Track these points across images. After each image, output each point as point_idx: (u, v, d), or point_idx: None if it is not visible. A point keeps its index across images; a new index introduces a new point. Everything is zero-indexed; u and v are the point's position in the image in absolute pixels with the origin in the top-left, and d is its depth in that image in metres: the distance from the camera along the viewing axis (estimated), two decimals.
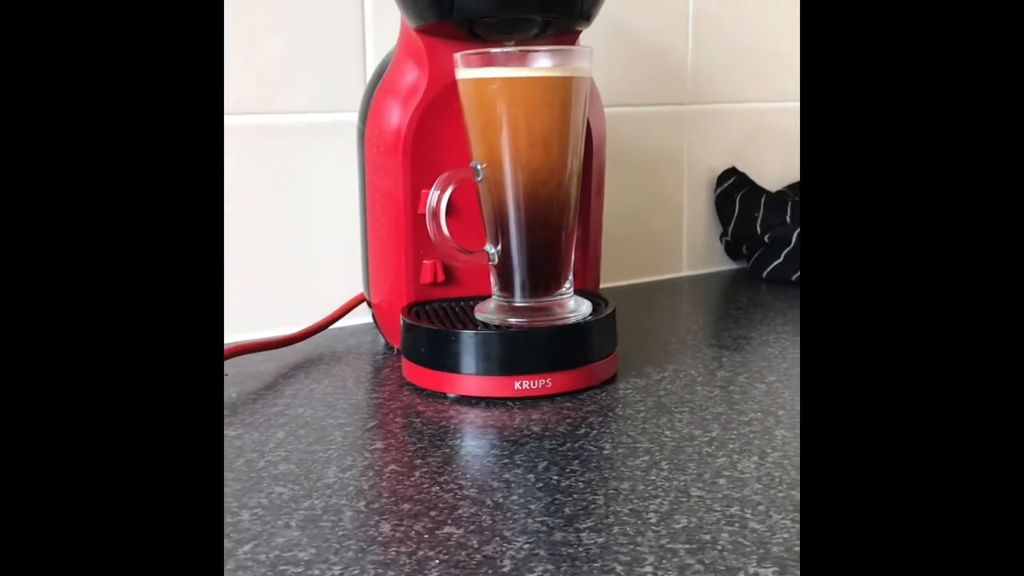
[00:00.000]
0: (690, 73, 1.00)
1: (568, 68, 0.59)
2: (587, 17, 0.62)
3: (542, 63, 0.59)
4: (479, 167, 0.61)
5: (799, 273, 0.96)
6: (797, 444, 0.53)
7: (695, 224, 1.04)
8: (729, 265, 1.06)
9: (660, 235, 1.01)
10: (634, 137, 0.97)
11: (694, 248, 1.04)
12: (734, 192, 1.04)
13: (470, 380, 0.60)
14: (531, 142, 0.60)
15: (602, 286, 0.98)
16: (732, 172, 1.04)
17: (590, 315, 0.64)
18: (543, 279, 0.63)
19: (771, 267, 0.98)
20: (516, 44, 0.62)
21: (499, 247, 0.62)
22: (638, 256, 1.00)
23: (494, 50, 0.59)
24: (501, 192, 0.61)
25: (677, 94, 0.99)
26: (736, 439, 0.54)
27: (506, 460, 0.51)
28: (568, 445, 0.53)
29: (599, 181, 0.72)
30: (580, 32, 0.66)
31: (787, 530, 0.42)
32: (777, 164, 1.09)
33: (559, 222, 0.62)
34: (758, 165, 1.06)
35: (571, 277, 0.65)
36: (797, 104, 1.09)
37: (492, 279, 0.64)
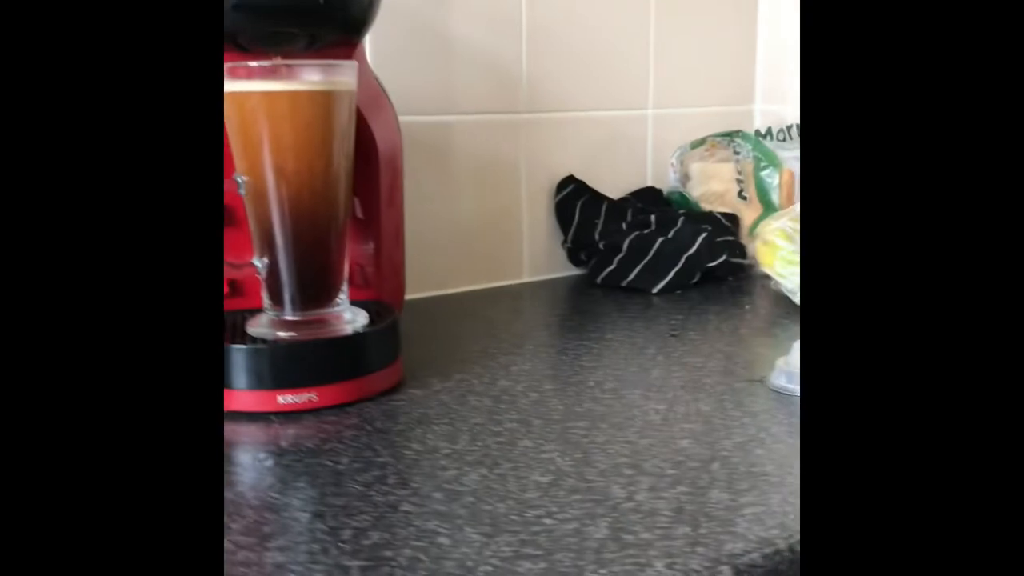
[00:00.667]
0: (525, 81, 1.01)
1: (327, 82, 0.60)
2: (356, 30, 0.62)
3: (301, 77, 0.59)
4: (241, 180, 0.61)
5: (630, 279, 0.97)
6: (536, 455, 0.53)
7: (536, 230, 1.04)
8: (571, 271, 1.07)
9: (501, 242, 1.02)
10: (471, 145, 0.98)
11: (535, 254, 1.05)
12: (574, 200, 1.05)
13: (237, 395, 0.60)
14: (292, 156, 0.60)
15: (441, 292, 0.99)
16: (570, 180, 1.05)
17: (365, 326, 0.64)
18: (313, 292, 0.63)
19: (604, 273, 1.00)
20: (284, 57, 0.62)
21: (266, 260, 0.62)
22: (478, 263, 1.00)
23: (252, 63, 0.59)
24: (265, 205, 0.61)
25: (512, 102, 1.00)
26: (477, 451, 0.54)
27: (237, 477, 0.51)
28: (305, 461, 0.53)
29: (391, 192, 0.72)
30: (356, 44, 0.66)
31: (472, 544, 0.43)
32: (618, 172, 1.10)
33: (326, 234, 0.62)
34: (599, 173, 1.08)
35: (345, 289, 0.65)
36: (638, 112, 1.11)
37: (263, 293, 0.64)
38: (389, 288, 0.73)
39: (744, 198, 1.07)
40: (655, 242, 0.98)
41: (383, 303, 0.71)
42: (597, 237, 1.03)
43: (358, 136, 0.66)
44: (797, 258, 0.83)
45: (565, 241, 1.05)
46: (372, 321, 0.66)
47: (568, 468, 0.52)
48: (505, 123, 1.00)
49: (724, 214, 1.07)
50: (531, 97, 1.01)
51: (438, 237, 0.97)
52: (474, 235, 1.00)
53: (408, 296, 0.94)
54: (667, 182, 1.13)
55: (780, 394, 0.64)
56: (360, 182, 0.70)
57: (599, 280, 1.00)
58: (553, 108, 1.03)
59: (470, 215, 0.99)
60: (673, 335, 0.80)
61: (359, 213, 0.72)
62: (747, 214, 1.07)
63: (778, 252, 0.86)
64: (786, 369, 0.65)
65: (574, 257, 1.06)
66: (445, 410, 0.62)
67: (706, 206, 1.09)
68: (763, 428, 0.58)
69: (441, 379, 0.68)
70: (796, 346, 0.65)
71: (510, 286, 1.02)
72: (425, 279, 0.96)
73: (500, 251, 1.02)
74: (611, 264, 0.99)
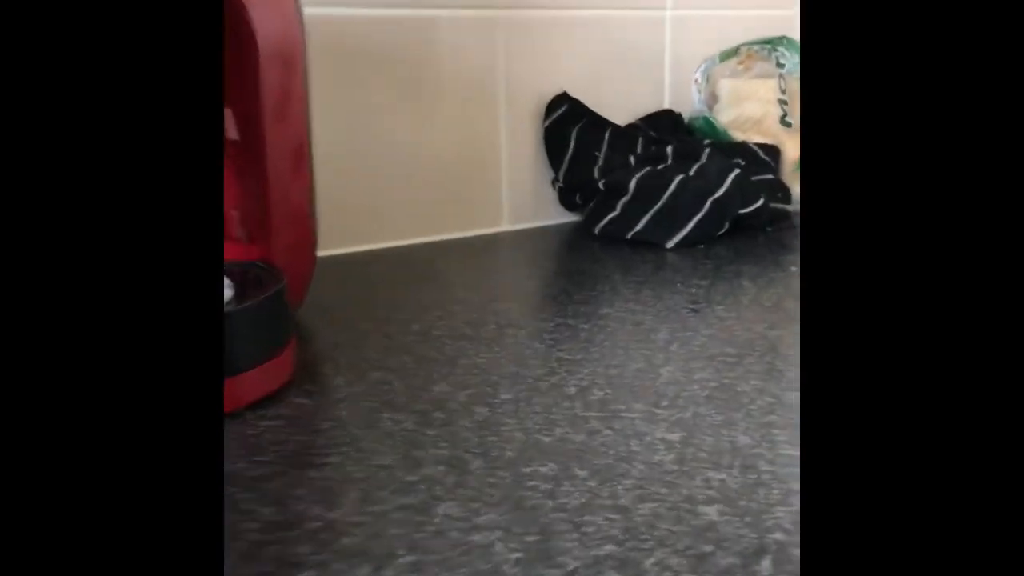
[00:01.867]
0: None
1: None
2: None
3: None
4: None
5: (638, 230, 0.74)
6: (462, 537, 0.32)
7: (518, 165, 0.81)
8: (564, 217, 0.84)
9: (473, 179, 0.79)
10: (433, 53, 0.74)
11: (517, 196, 0.82)
12: (567, 125, 0.81)
13: None
14: None
15: (391, 245, 0.77)
16: (563, 100, 0.82)
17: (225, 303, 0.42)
18: None
19: (605, 221, 0.77)
20: None
21: None
22: (444, 206, 0.78)
23: None
24: None
25: None
26: (367, 525, 0.33)
27: None
28: None
29: (283, 101, 0.49)
30: None
31: None
32: (627, 90, 0.86)
33: None
34: (602, 91, 0.84)
35: None
36: (653, 12, 0.87)
37: None
38: (284, 242, 0.51)
39: (788, 124, 0.83)
40: (672, 181, 0.75)
41: (269, 266, 0.49)
42: (597, 175, 0.80)
43: (226, 20, 0.43)
44: None
45: (556, 179, 0.82)
46: (239, 296, 0.44)
47: (512, 571, 0.30)
48: (479, 21, 0.76)
49: (762, 145, 0.84)
50: None
51: (389, 172, 0.74)
52: (438, 169, 0.77)
53: (342, 250, 0.72)
54: (689, 104, 0.89)
55: None
56: (232, 87, 0.47)
57: (597, 230, 0.77)
58: (542, 3, 0.79)
59: (432, 143, 0.76)
60: (693, 310, 0.57)
61: (232, 133, 0.49)
62: (792, 145, 0.84)
63: None
64: None
65: (567, 200, 0.82)
66: (338, 437, 0.40)
67: (739, 135, 0.86)
68: None
69: (351, 379, 0.46)
70: None
71: (484, 237, 0.79)
72: (369, 228, 0.74)
73: (472, 191, 0.79)
74: (614, 210, 0.76)
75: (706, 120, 0.87)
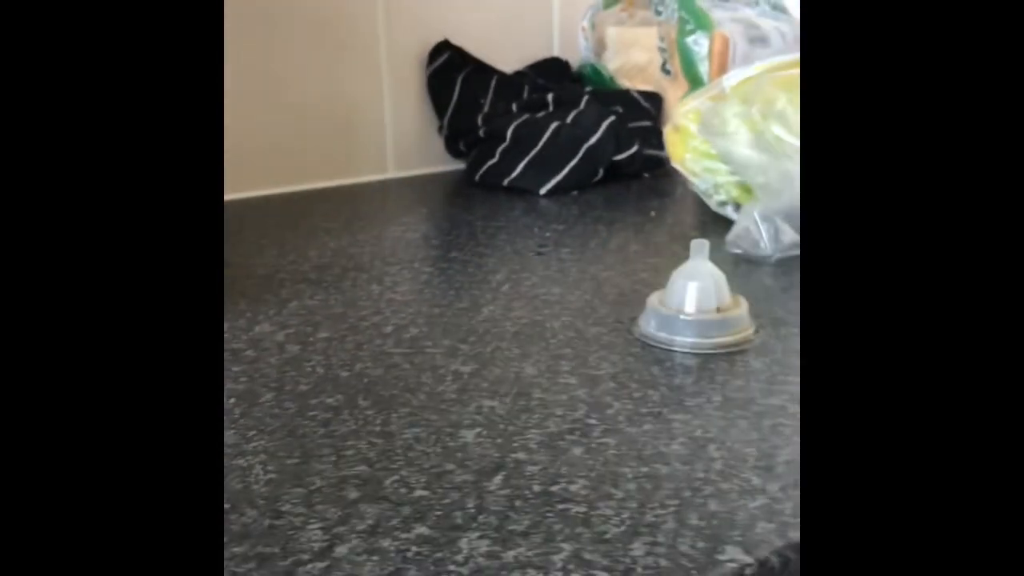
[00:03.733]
0: None
1: None
2: None
3: None
4: None
5: (513, 176, 0.76)
6: (237, 449, 0.34)
7: (403, 112, 0.83)
8: (451, 165, 0.86)
9: (358, 127, 0.80)
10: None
11: (402, 142, 0.83)
12: (451, 72, 0.83)
13: None
14: None
15: (280, 190, 0.78)
16: (445, 47, 0.83)
17: None
18: None
19: (484, 168, 0.78)
20: None
21: None
22: (329, 154, 0.79)
23: None
24: None
25: None
26: None
27: None
28: None
29: None
30: None
31: None
32: (515, 37, 0.88)
33: None
34: (489, 38, 0.85)
35: None
36: None
37: None
38: None
39: (668, 72, 0.85)
40: (547, 129, 0.77)
41: None
42: (480, 122, 0.81)
43: None
44: (712, 151, 0.62)
45: (441, 127, 0.84)
46: None
47: (261, 491, 0.32)
48: None
49: (644, 93, 0.85)
50: None
51: (272, 119, 0.75)
52: (321, 117, 0.78)
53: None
54: (577, 52, 0.90)
55: (644, 346, 0.44)
56: None
57: (477, 177, 0.79)
58: None
59: (314, 89, 0.77)
60: (539, 253, 0.60)
61: None
62: (672, 92, 0.85)
63: (690, 141, 0.65)
64: (658, 311, 0.45)
65: (452, 147, 0.84)
66: None
67: (625, 82, 0.87)
68: (598, 410, 0.38)
69: None
70: (678, 280, 0.45)
71: (370, 184, 0.81)
72: (250, 175, 0.75)
73: (356, 139, 0.80)
74: (493, 157, 0.78)
75: (593, 68, 0.88)
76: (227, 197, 0.74)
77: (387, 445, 0.35)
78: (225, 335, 0.46)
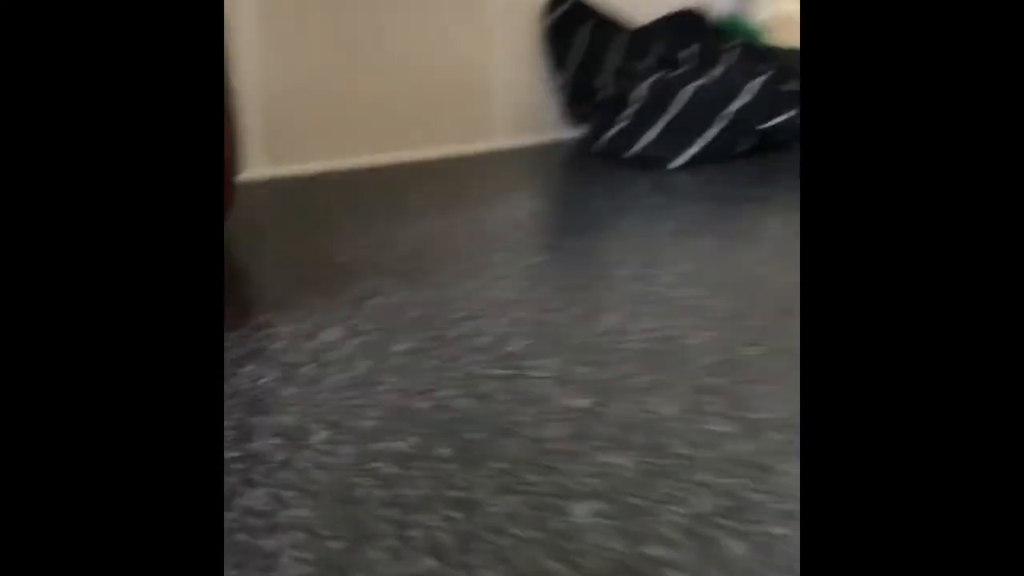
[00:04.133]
0: None
1: None
2: None
3: None
4: None
5: (638, 148, 0.65)
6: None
7: (515, 71, 0.72)
8: (568, 132, 0.75)
9: (466, 88, 0.70)
10: None
11: (514, 107, 0.73)
12: (573, 23, 0.72)
13: None
14: None
15: (384, 159, 0.68)
16: None
17: None
18: None
19: (605, 139, 0.67)
20: None
21: None
22: (432, 120, 0.69)
23: None
24: None
25: None
26: None
27: None
28: None
29: None
30: None
31: None
32: None
33: None
34: None
35: None
36: None
37: None
38: None
39: None
40: (684, 89, 0.65)
41: None
42: (602, 83, 0.70)
43: None
44: None
45: (559, 87, 0.73)
46: None
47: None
48: None
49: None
50: None
51: (366, 79, 0.66)
52: (423, 78, 0.68)
53: (311, 167, 0.65)
54: (719, 2, 0.78)
55: None
56: None
57: (597, 148, 0.68)
58: None
59: (417, 47, 0.68)
60: (673, 242, 0.49)
61: None
62: None
63: None
64: None
65: (572, 110, 0.73)
66: None
67: (776, 37, 0.75)
68: (764, 478, 0.27)
69: (234, 320, 0.40)
70: None
71: (474, 156, 0.71)
72: (342, 143, 0.66)
73: (462, 103, 0.71)
74: (617, 124, 0.67)
75: (736, 21, 0.75)
76: (314, 168, 0.66)
77: (468, 523, 0.26)
78: (283, 343, 0.37)
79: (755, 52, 0.71)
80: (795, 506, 0.26)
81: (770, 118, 0.66)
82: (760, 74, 0.66)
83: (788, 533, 0.25)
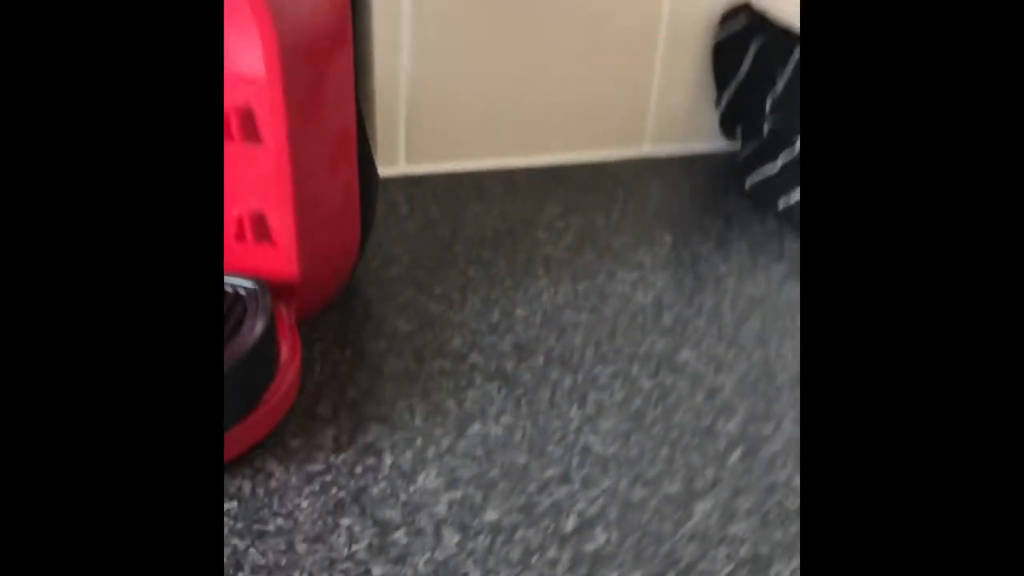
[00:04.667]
0: None
1: None
2: None
3: None
4: None
5: (794, 203, 0.62)
6: None
7: (673, 78, 0.68)
8: (719, 144, 0.71)
9: (614, 90, 0.67)
10: None
11: (666, 113, 0.69)
12: (744, 40, 0.66)
13: None
14: None
15: (525, 161, 0.67)
16: (743, 9, 0.66)
17: None
18: None
19: (758, 177, 0.64)
20: None
21: None
22: (576, 121, 0.67)
23: None
24: None
25: None
26: None
27: None
28: None
29: (309, 101, 0.41)
30: None
31: None
32: None
33: None
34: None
35: None
36: None
37: None
38: (309, 250, 0.44)
39: None
40: None
41: (260, 286, 0.42)
42: (768, 107, 0.65)
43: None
44: None
45: (718, 102, 0.69)
46: None
47: None
48: None
49: None
50: None
51: (513, 77, 0.64)
52: (574, 76, 0.65)
53: (449, 166, 0.64)
54: None
55: None
56: (242, 80, 0.39)
57: (748, 186, 0.65)
58: None
59: (573, 44, 0.64)
60: None
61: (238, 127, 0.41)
62: None
63: None
64: None
65: (727, 128, 0.69)
66: (272, 536, 0.36)
67: None
68: None
69: (342, 427, 0.41)
70: None
71: (618, 162, 0.69)
72: (478, 141, 0.65)
73: (613, 104, 0.67)
74: (772, 163, 0.63)
75: None
76: (442, 168, 0.65)
77: None
78: (382, 487, 0.39)
79: None
80: None
81: None
82: None
83: None
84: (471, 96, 0.64)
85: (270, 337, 0.41)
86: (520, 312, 0.51)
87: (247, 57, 0.38)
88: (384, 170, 0.62)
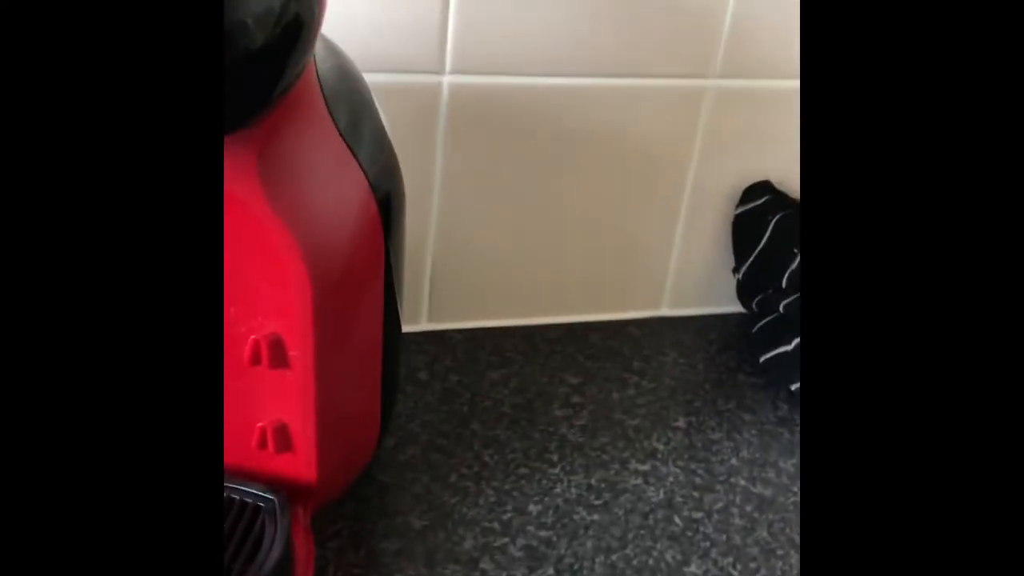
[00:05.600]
0: (726, 35, 0.61)
1: None
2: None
3: None
4: None
5: (800, 384, 0.62)
6: None
7: (693, 243, 0.69)
8: (736, 307, 0.72)
9: (637, 252, 0.68)
10: (630, 119, 0.62)
11: (686, 275, 0.70)
12: (765, 214, 0.68)
13: None
14: None
15: (545, 319, 0.68)
16: (766, 190, 0.67)
17: None
18: None
19: (771, 354, 0.65)
20: None
21: None
22: (596, 282, 0.68)
23: None
24: None
25: (700, 63, 0.62)
26: None
27: None
28: None
29: (338, 329, 0.42)
30: None
31: None
32: None
33: None
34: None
35: None
36: None
37: None
38: (331, 462, 0.45)
39: None
40: None
41: (278, 498, 0.43)
42: (784, 283, 0.67)
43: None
44: None
45: (736, 270, 0.70)
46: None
47: None
48: (686, 92, 0.63)
49: None
50: (731, 56, 0.62)
51: (539, 240, 0.66)
52: (597, 240, 0.67)
53: (464, 324, 0.66)
54: None
55: None
56: (268, 306, 0.40)
57: (762, 360, 0.65)
58: (760, 73, 0.64)
59: (598, 212, 0.66)
60: None
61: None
62: None
63: None
64: None
65: (744, 298, 0.70)
66: None
67: None
68: None
69: None
70: None
71: (635, 321, 0.70)
72: (497, 301, 0.66)
73: (636, 269, 0.69)
74: (786, 344, 0.64)
75: None
76: (464, 325, 0.66)
77: None
78: None
79: None
80: None
81: None
82: None
83: None
84: (495, 256, 0.65)
85: (287, 554, 0.42)
86: (533, 508, 0.51)
87: (281, 294, 0.39)
88: (407, 327, 0.64)
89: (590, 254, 0.67)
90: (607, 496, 0.53)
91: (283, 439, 0.44)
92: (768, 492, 0.54)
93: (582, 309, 0.69)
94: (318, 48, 0.40)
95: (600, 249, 0.67)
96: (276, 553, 0.41)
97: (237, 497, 0.43)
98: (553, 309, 0.68)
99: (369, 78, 0.47)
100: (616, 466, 0.55)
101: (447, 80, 0.58)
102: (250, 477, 0.44)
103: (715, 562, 0.49)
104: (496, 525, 0.50)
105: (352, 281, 0.41)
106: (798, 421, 0.61)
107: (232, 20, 0.29)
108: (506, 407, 0.59)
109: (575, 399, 0.61)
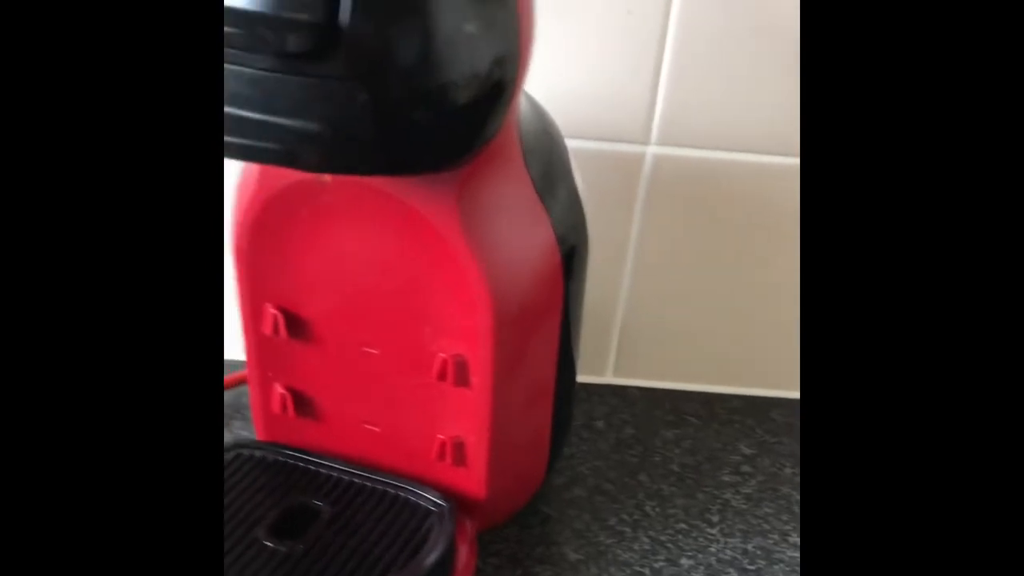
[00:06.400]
0: None
1: None
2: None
3: None
4: None
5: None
6: None
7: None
8: None
9: (777, 328, 0.69)
10: (776, 192, 0.64)
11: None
12: None
13: None
14: None
15: (712, 388, 0.70)
16: None
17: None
18: None
19: None
20: None
21: None
22: (782, 355, 0.69)
23: None
24: None
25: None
26: None
27: None
28: None
29: (514, 361, 0.47)
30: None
31: None
32: None
33: None
34: None
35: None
36: None
37: None
38: (502, 484, 0.50)
39: None
40: None
41: (448, 509, 0.48)
42: None
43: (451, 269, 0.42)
44: None
45: None
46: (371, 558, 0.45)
47: None
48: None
49: None
50: None
51: (722, 311, 0.68)
52: (786, 312, 0.68)
53: (634, 382, 0.68)
54: None
55: None
56: (454, 334, 0.46)
57: None
58: None
59: (788, 286, 0.67)
60: None
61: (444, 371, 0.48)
62: None
63: None
64: None
65: None
66: None
67: None
68: None
69: None
70: None
71: (772, 400, 0.70)
72: (683, 361, 0.69)
73: (773, 341, 0.69)
74: None
75: None
76: (646, 384, 0.69)
77: None
78: None
79: None
80: None
81: None
82: None
83: None
84: (682, 321, 0.68)
85: (449, 555, 0.46)
86: (685, 562, 0.53)
87: (467, 319, 0.44)
88: (591, 378, 0.68)
89: (777, 330, 0.68)
90: (761, 563, 0.54)
91: (459, 454, 0.49)
92: None
93: (765, 383, 0.70)
94: (525, 109, 0.45)
95: (788, 326, 0.68)
96: (437, 553, 0.45)
97: (413, 499, 0.48)
98: (735, 379, 0.70)
99: (576, 143, 0.52)
100: (775, 536, 0.56)
101: (651, 151, 0.62)
102: (428, 485, 0.49)
103: None
104: (647, 571, 0.52)
105: (530, 317, 0.46)
106: None
107: (445, 79, 0.35)
108: (675, 465, 0.61)
109: (745, 468, 0.62)
